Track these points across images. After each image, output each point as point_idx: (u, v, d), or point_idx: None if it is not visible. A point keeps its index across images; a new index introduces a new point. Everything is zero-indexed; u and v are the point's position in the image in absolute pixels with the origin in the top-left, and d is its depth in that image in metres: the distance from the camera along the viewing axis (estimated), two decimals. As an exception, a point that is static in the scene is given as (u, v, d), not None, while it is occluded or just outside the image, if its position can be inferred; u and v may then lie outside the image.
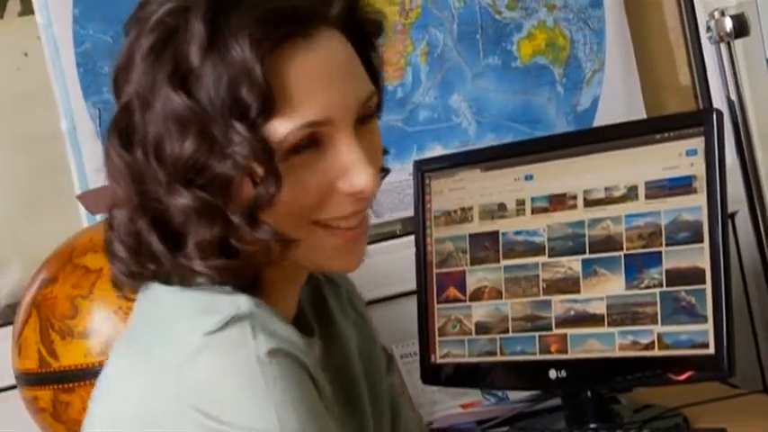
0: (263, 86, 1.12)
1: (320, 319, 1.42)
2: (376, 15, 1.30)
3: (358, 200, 1.22)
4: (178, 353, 1.14)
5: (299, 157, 1.16)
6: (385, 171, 1.34)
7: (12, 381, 1.88)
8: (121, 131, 1.20)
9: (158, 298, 1.24)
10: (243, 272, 1.22)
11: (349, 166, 1.19)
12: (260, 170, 1.14)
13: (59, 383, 1.82)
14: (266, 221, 1.17)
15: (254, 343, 1.12)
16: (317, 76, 1.17)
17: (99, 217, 2.05)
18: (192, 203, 1.15)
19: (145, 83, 1.16)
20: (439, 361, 2.17)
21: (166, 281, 1.22)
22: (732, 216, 2.20)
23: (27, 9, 2.23)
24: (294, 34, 1.16)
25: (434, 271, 2.19)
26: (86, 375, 1.79)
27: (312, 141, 1.18)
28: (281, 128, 1.14)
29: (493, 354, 2.09)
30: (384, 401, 1.50)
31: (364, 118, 1.23)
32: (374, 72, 1.28)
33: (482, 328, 2.11)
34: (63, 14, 2.17)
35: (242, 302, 1.15)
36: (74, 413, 1.81)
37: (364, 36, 1.27)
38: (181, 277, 1.21)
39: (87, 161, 2.17)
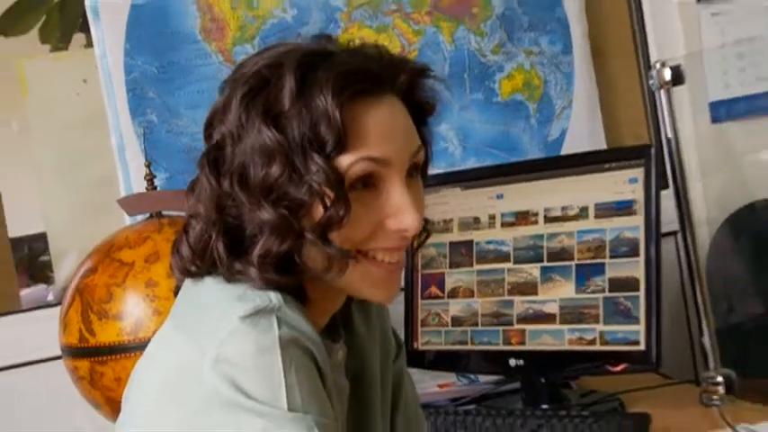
0: (339, 127, 1.23)
1: (347, 330, 1.48)
2: (432, 99, 1.40)
3: (402, 237, 1.31)
4: (215, 331, 1.23)
5: (358, 193, 1.27)
6: (427, 231, 1.41)
7: (58, 352, 1.94)
8: (211, 162, 1.31)
9: (204, 287, 1.33)
10: (285, 287, 1.29)
11: (400, 207, 1.28)
12: (331, 195, 1.24)
13: (95, 356, 1.88)
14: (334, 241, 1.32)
15: (278, 332, 1.21)
16: (380, 126, 1.28)
17: (139, 218, 2.10)
18: (271, 218, 1.25)
19: (238, 122, 1.27)
20: (421, 348, 2.23)
21: (212, 274, 1.34)
22: (675, 234, 2.22)
23: (89, 42, 2.30)
24: (366, 92, 1.27)
25: (420, 272, 2.26)
26: (118, 350, 1.87)
27: (370, 181, 1.29)
28: (348, 160, 1.25)
29: (465, 343, 2.20)
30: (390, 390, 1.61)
31: (412, 171, 1.34)
32: (424, 141, 1.37)
33: (457, 322, 2.22)
34: (116, 48, 2.25)
35: (272, 297, 1.25)
36: (107, 381, 1.88)
37: (419, 112, 1.37)
38: (228, 275, 1.30)
39: (132, 172, 2.24)
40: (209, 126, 1.35)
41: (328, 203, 1.25)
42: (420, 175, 1.37)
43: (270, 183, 1.27)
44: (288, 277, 1.29)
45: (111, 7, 2.27)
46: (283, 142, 1.25)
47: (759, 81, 2.49)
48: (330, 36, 1.41)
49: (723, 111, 2.47)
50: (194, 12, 2.29)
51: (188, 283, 1.37)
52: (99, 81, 2.26)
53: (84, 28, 2.33)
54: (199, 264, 1.33)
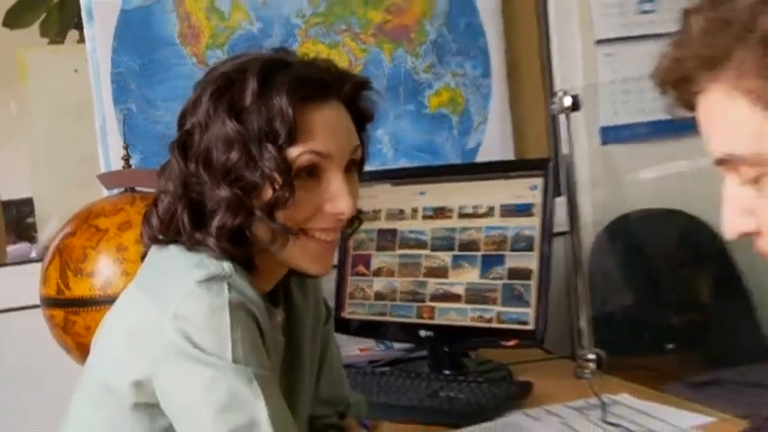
0: (291, 123, 1.30)
1: (287, 299, 1.52)
2: (370, 108, 1.47)
3: (337, 220, 1.38)
4: (174, 293, 1.29)
5: (302, 180, 1.34)
6: (359, 219, 1.47)
7: (37, 301, 1.98)
8: (181, 147, 1.38)
9: (168, 253, 1.39)
10: (239, 256, 1.34)
11: (337, 194, 1.35)
12: (280, 180, 1.31)
13: (69, 307, 1.92)
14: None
15: (228, 296, 1.27)
16: (325, 125, 1.35)
17: (115, 191, 2.12)
18: (228, 196, 1.32)
19: (206, 114, 1.34)
20: (347, 316, 2.28)
21: (176, 243, 1.38)
22: (565, 234, 2.25)
23: (81, 38, 2.34)
24: (316, 97, 1.35)
25: (351, 253, 2.31)
26: (89, 303, 1.91)
27: (314, 171, 1.36)
28: (297, 152, 1.31)
29: (384, 315, 2.26)
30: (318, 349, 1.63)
31: (350, 166, 1.40)
32: (362, 142, 1.42)
33: (379, 296, 2.28)
34: (105, 45, 2.30)
35: (225, 266, 1.31)
36: (78, 329, 1.92)
37: (360, 117, 1.43)
38: (190, 244, 1.36)
39: (111, 153, 2.29)
40: (182, 117, 1.41)
41: (276, 187, 1.32)
42: (356, 171, 1.44)
43: (229, 166, 1.33)
44: (239, 248, 1.35)
45: (103, 10, 2.31)
46: (243, 133, 1.32)
47: (640, 113, 2.60)
48: (288, 49, 1.49)
49: (611, 135, 2.59)
50: (174, 19, 2.33)
51: (154, 249, 1.42)
52: (88, 72, 2.30)
53: (79, 26, 2.36)
54: (165, 233, 1.38)
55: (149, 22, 2.33)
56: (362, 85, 1.45)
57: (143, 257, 1.46)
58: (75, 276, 1.93)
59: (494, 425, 1.90)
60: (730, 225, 0.97)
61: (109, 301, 1.79)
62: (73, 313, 1.92)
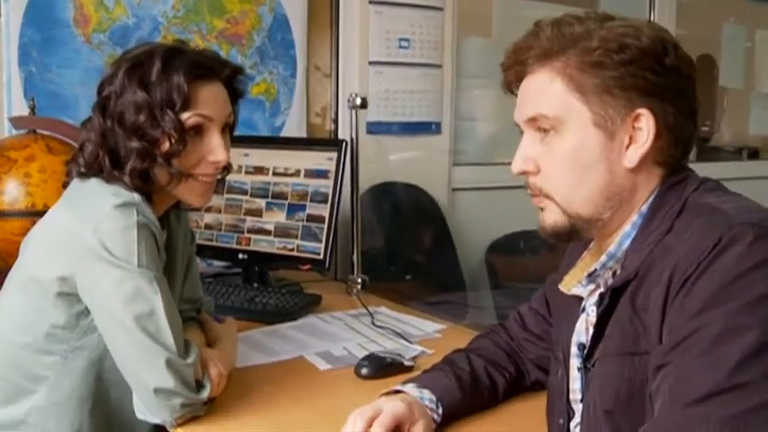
0: (185, 94, 1.43)
1: (167, 223, 1.61)
2: (241, 88, 1.60)
3: (216, 167, 1.52)
4: (94, 212, 1.39)
5: (191, 137, 1.47)
6: (230, 167, 1.56)
7: None
8: (101, 108, 1.48)
9: (90, 184, 1.47)
10: (143, 190, 1.44)
11: (216, 147, 1.51)
12: (175, 136, 1.42)
13: None
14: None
15: (137, 218, 1.39)
16: (209, 97, 1.49)
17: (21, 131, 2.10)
18: (137, 147, 1.43)
19: (121, 85, 1.45)
20: None
21: (96, 177, 1.43)
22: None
23: None
24: (204, 76, 1.49)
25: None
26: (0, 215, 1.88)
27: (200, 130, 1.49)
28: (188, 115, 1.44)
29: (211, 240, 2.49)
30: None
31: (225, 128, 1.53)
32: (234, 112, 1.57)
33: (208, 227, 2.48)
34: (16, 21, 2.36)
35: (135, 196, 1.41)
36: None
37: (234, 94, 1.58)
38: (108, 178, 1.44)
39: (14, 103, 2.39)
40: (102, 86, 1.53)
41: (173, 141, 1.45)
42: (229, 132, 1.58)
43: (138, 125, 1.45)
44: (145, 185, 1.46)
45: None
46: (149, 100, 1.45)
47: (395, 115, 2.97)
48: (183, 41, 1.61)
49: (374, 127, 2.93)
50: (71, 7, 2.41)
51: (77, 180, 1.49)
52: (1, 40, 2.35)
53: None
54: (89, 169, 1.49)
55: (52, 7, 2.37)
56: (238, 71, 1.58)
57: (65, 185, 1.53)
58: (-10, 194, 1.76)
59: (297, 323, 2.08)
60: (516, 165, 1.20)
61: (15, 213, 1.98)
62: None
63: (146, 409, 1.39)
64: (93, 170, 1.47)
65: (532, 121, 1.19)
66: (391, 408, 1.31)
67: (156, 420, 1.40)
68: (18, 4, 2.34)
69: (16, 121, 2.22)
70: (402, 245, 2.91)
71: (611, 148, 1.15)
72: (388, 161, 2.92)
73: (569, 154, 1.17)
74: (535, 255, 3.00)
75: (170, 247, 1.60)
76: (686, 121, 1.16)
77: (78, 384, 1.45)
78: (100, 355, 1.44)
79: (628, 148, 1.15)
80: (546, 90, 1.17)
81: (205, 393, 1.41)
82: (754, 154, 4.35)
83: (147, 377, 1.36)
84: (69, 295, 1.40)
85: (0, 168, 2.02)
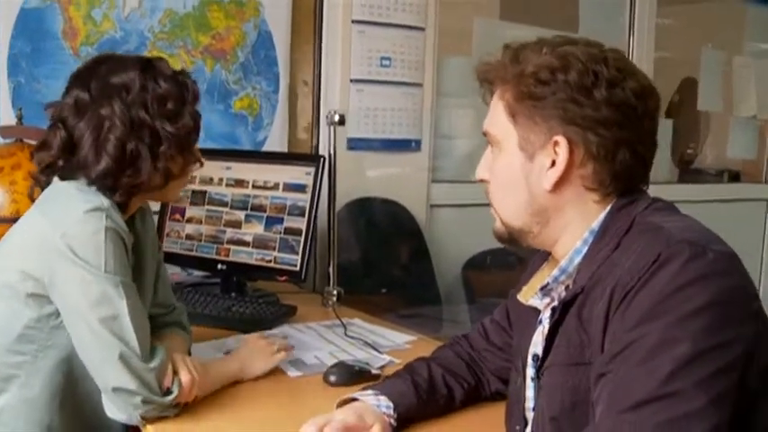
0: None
1: (133, 226, 1.63)
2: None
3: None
4: (66, 216, 1.42)
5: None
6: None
7: None
8: (75, 114, 1.53)
9: (60, 188, 1.49)
10: (112, 197, 1.47)
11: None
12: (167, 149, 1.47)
13: None
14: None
15: (106, 223, 1.42)
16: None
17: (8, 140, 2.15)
18: (114, 153, 1.49)
19: (97, 94, 1.50)
20: (164, 250, 2.33)
21: (65, 180, 1.46)
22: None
23: None
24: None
25: (170, 204, 2.52)
26: None
27: None
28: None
29: (191, 251, 2.51)
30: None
31: None
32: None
33: (189, 237, 2.50)
34: (6, 32, 2.41)
35: (104, 201, 1.44)
36: None
37: None
38: (77, 181, 1.46)
39: (2, 111, 2.41)
40: (69, 90, 1.60)
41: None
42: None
43: (119, 134, 1.55)
44: (114, 193, 1.53)
45: (7, 8, 2.41)
46: (127, 111, 1.55)
47: (376, 132, 3.01)
48: (162, 58, 1.65)
49: (354, 143, 2.98)
50: (60, 20, 2.44)
51: (53, 185, 1.55)
52: None
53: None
54: (63, 175, 1.51)
55: (42, 19, 2.40)
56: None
57: (43, 188, 1.56)
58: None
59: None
60: (477, 172, 1.30)
61: (0, 220, 2.01)
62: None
63: (112, 407, 1.43)
64: (67, 176, 1.53)
65: (487, 135, 1.30)
66: (342, 418, 1.39)
67: (122, 418, 1.45)
68: (8, 16, 2.38)
69: (3, 131, 2.27)
70: (379, 259, 2.97)
71: (530, 170, 1.24)
72: (368, 177, 2.97)
73: (500, 171, 1.27)
74: (512, 271, 3.02)
75: (138, 250, 1.63)
76: (621, 151, 1.21)
77: (48, 382, 1.49)
78: (69, 354, 1.48)
79: (548, 171, 1.22)
80: (494, 110, 1.28)
81: (170, 398, 1.45)
82: (734, 177, 4.42)
83: (109, 376, 1.41)
84: (39, 296, 1.44)
85: (-13, 177, 1.85)
